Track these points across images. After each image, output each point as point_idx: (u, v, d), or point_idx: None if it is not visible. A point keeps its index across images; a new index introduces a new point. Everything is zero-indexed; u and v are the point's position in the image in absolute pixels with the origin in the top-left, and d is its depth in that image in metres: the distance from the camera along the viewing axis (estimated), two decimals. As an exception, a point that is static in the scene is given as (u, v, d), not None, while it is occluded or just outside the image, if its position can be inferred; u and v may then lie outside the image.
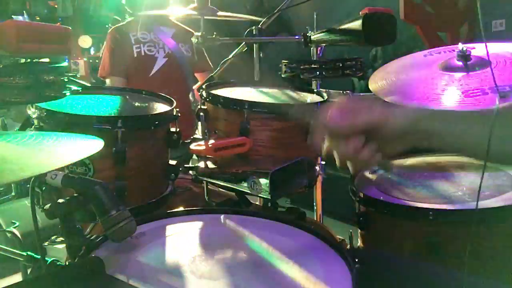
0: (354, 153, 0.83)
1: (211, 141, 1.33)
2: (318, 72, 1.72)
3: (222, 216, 1.21)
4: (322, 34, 1.75)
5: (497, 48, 1.41)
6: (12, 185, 2.47)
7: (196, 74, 2.84)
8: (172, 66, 2.71)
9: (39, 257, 1.15)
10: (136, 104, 1.52)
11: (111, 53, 2.70)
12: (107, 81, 2.72)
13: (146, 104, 1.51)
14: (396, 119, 0.83)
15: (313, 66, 1.74)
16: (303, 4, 1.99)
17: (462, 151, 0.91)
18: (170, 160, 1.41)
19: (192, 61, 2.78)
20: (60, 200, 0.95)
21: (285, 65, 1.79)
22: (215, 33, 1.90)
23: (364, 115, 0.83)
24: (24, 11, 6.30)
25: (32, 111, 1.27)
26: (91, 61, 6.01)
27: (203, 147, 1.32)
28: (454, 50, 1.40)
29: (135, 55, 2.67)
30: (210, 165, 1.39)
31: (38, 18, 6.25)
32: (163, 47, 2.72)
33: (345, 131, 0.83)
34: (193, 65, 2.79)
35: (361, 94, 2.36)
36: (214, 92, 1.44)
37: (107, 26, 3.19)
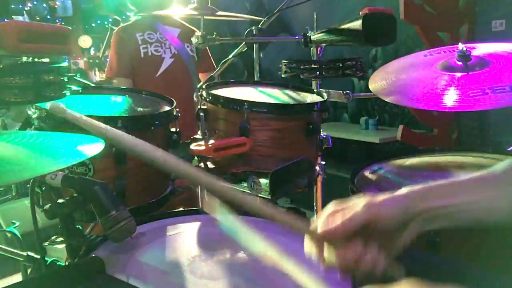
0: (356, 261, 0.75)
1: (211, 141, 1.33)
2: (318, 72, 1.72)
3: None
4: (322, 34, 1.75)
5: (497, 48, 1.41)
6: (12, 185, 2.47)
7: (200, 75, 2.83)
8: (178, 66, 2.69)
9: (39, 257, 1.15)
10: (136, 104, 1.52)
11: (118, 53, 2.68)
12: (114, 82, 2.70)
13: (146, 104, 1.51)
14: (388, 209, 0.76)
15: (313, 66, 1.74)
16: (303, 4, 1.99)
17: (478, 220, 0.82)
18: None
19: (197, 61, 2.77)
20: (60, 200, 0.95)
21: (285, 65, 1.79)
22: (215, 33, 1.91)
23: (354, 216, 0.76)
24: (24, 11, 6.31)
25: (32, 111, 1.28)
26: (91, 61, 6.02)
27: (203, 147, 1.32)
28: (454, 50, 1.40)
29: (142, 56, 2.65)
30: (210, 165, 1.39)
31: (38, 18, 6.27)
32: (169, 47, 2.70)
33: (339, 237, 0.76)
34: (197, 66, 2.79)
35: (362, 93, 2.36)
36: (214, 92, 1.44)
37: (107, 26, 3.17)
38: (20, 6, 6.34)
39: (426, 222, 0.78)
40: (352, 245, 0.76)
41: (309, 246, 0.81)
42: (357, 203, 0.78)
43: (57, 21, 6.40)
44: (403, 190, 0.79)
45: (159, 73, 2.66)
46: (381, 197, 0.78)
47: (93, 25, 6.65)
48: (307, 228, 0.80)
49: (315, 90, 1.66)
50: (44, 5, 6.53)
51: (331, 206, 0.81)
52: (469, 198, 0.78)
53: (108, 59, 2.81)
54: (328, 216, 0.79)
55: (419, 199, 0.77)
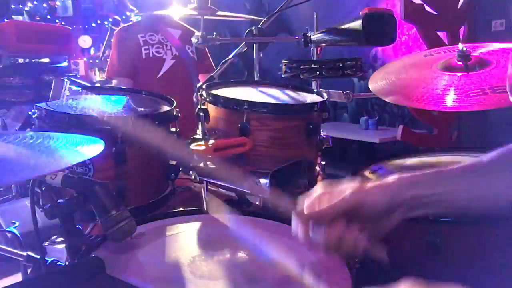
0: (338, 240, 0.80)
1: (211, 141, 1.33)
2: (318, 72, 1.72)
3: (222, 216, 1.21)
4: (322, 34, 1.75)
5: (497, 48, 1.41)
6: (12, 185, 2.47)
7: (200, 76, 2.84)
8: (179, 67, 2.71)
9: (39, 257, 1.15)
10: (136, 104, 1.52)
11: (119, 53, 2.69)
12: (114, 81, 2.71)
13: (146, 104, 1.51)
14: (375, 196, 0.80)
15: (313, 66, 1.74)
16: (303, 4, 1.99)
17: (458, 210, 0.86)
18: (170, 160, 1.41)
19: (197, 62, 2.78)
20: (60, 200, 0.95)
21: (285, 65, 1.79)
22: (215, 33, 1.90)
23: (340, 201, 0.81)
24: (24, 11, 6.31)
25: (32, 111, 1.27)
26: (91, 61, 6.02)
27: (203, 147, 1.32)
28: (454, 50, 1.40)
29: (144, 57, 2.66)
30: (210, 165, 1.39)
31: (38, 18, 6.26)
32: (170, 49, 2.71)
33: (324, 217, 0.81)
34: (198, 67, 2.79)
35: (362, 93, 2.36)
36: (214, 92, 1.44)
37: (107, 26, 3.16)
38: (20, 6, 6.33)
39: (411, 209, 0.82)
40: (336, 225, 0.80)
41: (296, 225, 0.85)
42: (345, 188, 0.83)
43: (57, 21, 6.40)
44: (390, 179, 0.83)
45: (160, 74, 2.68)
46: (369, 184, 0.83)
47: (93, 25, 6.64)
48: (297, 211, 0.85)
49: (315, 90, 1.65)
50: (44, 5, 6.52)
51: (319, 188, 0.86)
52: (452, 187, 0.82)
53: (108, 59, 2.81)
54: (316, 198, 0.84)
55: (404, 188, 0.81)
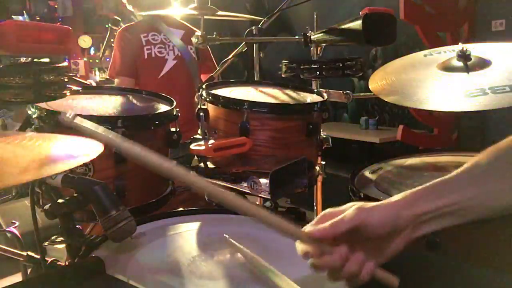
0: (342, 264, 0.75)
1: (211, 141, 1.33)
2: (318, 72, 1.72)
3: (222, 216, 1.21)
4: (322, 34, 1.75)
5: (497, 48, 1.41)
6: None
7: (202, 76, 2.83)
8: (181, 68, 2.70)
9: (39, 257, 1.15)
10: (136, 104, 1.52)
11: (122, 52, 2.69)
12: (116, 81, 2.71)
13: (146, 104, 1.51)
14: (380, 215, 0.76)
15: (313, 66, 1.74)
16: (303, 4, 1.99)
17: (476, 215, 0.81)
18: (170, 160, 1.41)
19: (199, 63, 2.78)
20: (60, 200, 0.95)
21: (285, 65, 1.79)
22: (215, 33, 1.91)
23: (343, 218, 0.76)
24: (24, 11, 6.31)
25: (32, 111, 1.28)
26: (91, 61, 6.03)
27: (203, 147, 1.32)
28: (454, 50, 1.40)
29: (146, 57, 2.66)
30: (210, 165, 1.39)
31: (38, 18, 6.27)
32: (173, 49, 2.72)
33: (327, 239, 0.76)
34: (200, 67, 2.79)
35: (362, 93, 2.36)
36: (214, 92, 1.44)
37: (107, 26, 3.15)
38: (20, 6, 6.34)
39: (423, 226, 0.78)
40: (339, 248, 0.75)
41: (299, 248, 0.80)
42: (349, 207, 0.78)
43: (58, 20, 6.41)
44: (394, 197, 0.80)
45: (161, 74, 2.67)
46: (373, 203, 0.79)
47: (93, 25, 6.65)
48: (298, 230, 0.79)
49: (315, 90, 1.66)
50: (44, 5, 6.52)
51: (325, 211, 0.81)
52: (461, 196, 0.78)
53: (108, 59, 2.81)
54: (319, 219, 0.79)
55: (409, 205, 0.77)
